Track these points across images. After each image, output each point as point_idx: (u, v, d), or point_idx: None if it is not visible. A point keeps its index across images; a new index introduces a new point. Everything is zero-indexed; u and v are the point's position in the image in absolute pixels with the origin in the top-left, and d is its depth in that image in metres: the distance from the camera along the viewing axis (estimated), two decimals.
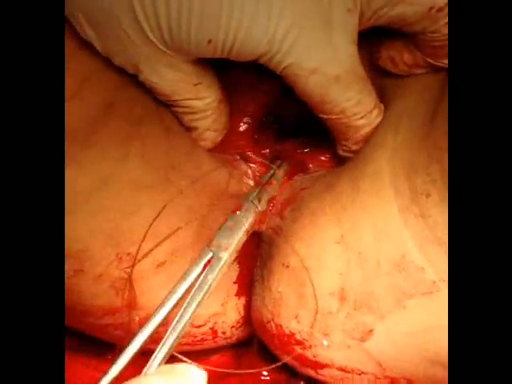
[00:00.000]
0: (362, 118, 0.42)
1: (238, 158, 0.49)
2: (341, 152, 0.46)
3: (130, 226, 0.42)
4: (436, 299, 0.38)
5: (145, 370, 0.36)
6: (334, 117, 0.42)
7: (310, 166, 0.50)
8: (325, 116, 0.42)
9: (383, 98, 0.45)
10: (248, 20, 0.36)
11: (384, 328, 0.40)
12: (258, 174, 0.49)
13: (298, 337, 0.43)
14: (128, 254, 0.42)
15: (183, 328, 0.38)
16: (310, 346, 0.42)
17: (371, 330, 0.40)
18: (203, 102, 0.44)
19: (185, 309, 0.38)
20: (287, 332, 0.43)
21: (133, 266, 0.42)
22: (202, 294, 0.39)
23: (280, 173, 0.48)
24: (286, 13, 0.36)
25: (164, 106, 0.45)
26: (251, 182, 0.49)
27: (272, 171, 0.48)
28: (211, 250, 0.41)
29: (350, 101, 0.41)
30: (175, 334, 0.38)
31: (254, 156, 0.49)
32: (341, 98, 0.41)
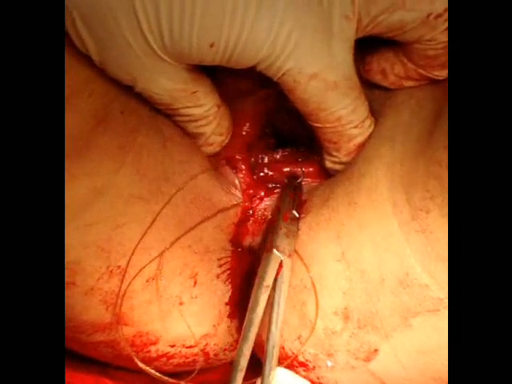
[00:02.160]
0: (355, 126, 0.42)
1: (226, 166, 0.48)
2: (329, 164, 0.46)
3: (121, 238, 0.41)
4: (443, 317, 0.38)
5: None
6: (328, 125, 0.42)
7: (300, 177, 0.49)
8: (319, 125, 0.42)
9: (371, 110, 0.45)
10: (250, 23, 0.36)
11: (389, 347, 0.39)
12: (244, 184, 0.48)
13: (301, 358, 0.42)
14: (118, 266, 0.42)
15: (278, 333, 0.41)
16: (314, 368, 0.42)
17: (376, 350, 0.40)
18: (203, 109, 0.44)
19: (274, 315, 0.41)
20: (290, 354, 0.42)
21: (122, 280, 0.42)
22: (282, 298, 0.42)
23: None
24: (288, 17, 0.36)
25: (162, 114, 0.45)
26: (238, 193, 0.48)
27: (297, 181, 0.48)
28: (280, 256, 0.42)
29: (346, 108, 0.41)
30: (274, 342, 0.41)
31: (241, 164, 0.49)
32: (337, 106, 0.40)
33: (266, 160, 0.50)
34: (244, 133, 0.49)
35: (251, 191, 0.48)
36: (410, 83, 0.43)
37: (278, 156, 0.50)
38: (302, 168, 0.48)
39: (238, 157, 0.48)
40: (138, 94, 0.41)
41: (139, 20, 0.36)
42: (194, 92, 0.42)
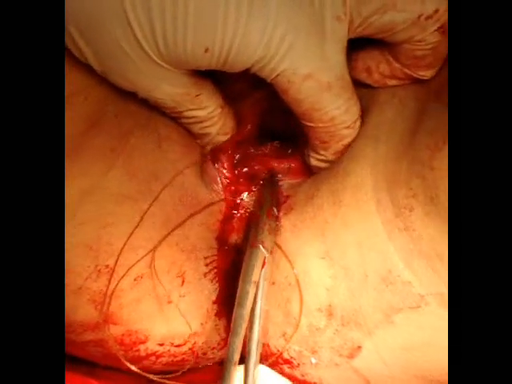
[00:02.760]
0: (348, 127, 0.42)
1: (209, 162, 0.48)
2: (314, 162, 0.46)
3: (109, 237, 0.42)
4: (424, 313, 0.38)
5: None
6: (321, 125, 0.42)
7: (279, 175, 0.49)
8: (312, 124, 0.42)
9: None
10: (243, 27, 0.36)
11: (372, 344, 0.40)
12: (225, 180, 0.49)
13: (285, 355, 0.42)
14: (106, 266, 0.42)
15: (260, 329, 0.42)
16: (299, 365, 0.42)
17: (359, 347, 0.40)
18: (207, 111, 0.44)
19: (257, 311, 0.42)
20: (275, 351, 0.43)
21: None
22: (262, 293, 0.42)
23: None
24: (281, 20, 0.36)
25: (160, 114, 0.45)
26: (220, 190, 0.49)
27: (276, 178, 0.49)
28: (265, 252, 0.43)
29: (339, 109, 0.41)
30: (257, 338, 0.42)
31: (225, 160, 0.49)
32: (331, 106, 0.41)
33: (250, 155, 0.50)
34: (244, 133, 0.49)
35: (233, 187, 0.49)
36: (394, 82, 0.43)
37: (262, 151, 0.50)
38: (283, 164, 0.49)
39: (222, 152, 0.48)
40: (134, 97, 0.41)
41: (134, 30, 0.36)
42: (197, 95, 0.42)
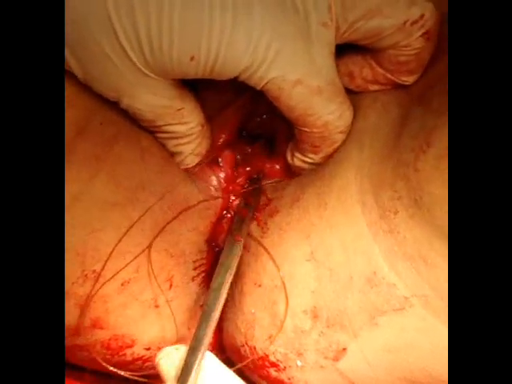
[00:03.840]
0: (341, 132, 0.43)
1: (205, 167, 0.49)
2: (298, 163, 0.46)
3: (96, 243, 0.42)
4: (408, 315, 0.38)
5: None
6: (315, 130, 0.42)
7: (265, 175, 0.50)
8: (307, 129, 0.42)
9: None
10: (228, 36, 0.36)
11: (357, 346, 0.40)
12: (225, 181, 0.49)
13: (272, 358, 0.42)
14: (93, 271, 0.42)
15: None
16: (285, 368, 0.42)
17: (344, 349, 0.40)
18: (187, 127, 0.44)
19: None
20: (261, 354, 0.43)
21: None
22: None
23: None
24: (266, 28, 0.37)
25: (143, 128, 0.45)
26: (218, 193, 0.49)
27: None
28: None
29: (333, 114, 0.41)
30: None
31: (222, 162, 0.49)
32: (324, 111, 0.41)
33: (248, 155, 0.51)
34: (222, 139, 0.49)
35: (230, 187, 0.49)
36: (376, 87, 0.44)
37: (257, 151, 0.51)
38: (269, 164, 0.49)
39: (221, 154, 0.49)
40: (119, 109, 0.42)
41: (119, 38, 0.36)
42: (180, 109, 0.42)
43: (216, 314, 0.41)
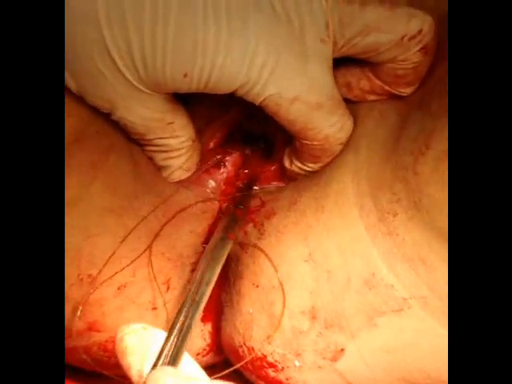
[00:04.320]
0: (341, 143, 0.43)
1: (202, 173, 0.49)
2: (295, 169, 0.46)
3: (92, 248, 0.42)
4: (407, 317, 0.38)
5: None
6: (316, 143, 0.42)
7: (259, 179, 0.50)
8: (308, 142, 0.42)
9: None
10: (223, 53, 0.36)
11: (355, 347, 0.40)
12: (223, 184, 0.49)
13: (270, 359, 0.42)
14: (89, 275, 0.42)
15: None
16: (283, 369, 0.42)
17: (342, 350, 0.40)
18: (178, 141, 0.44)
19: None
20: (259, 355, 0.43)
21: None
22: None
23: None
24: (261, 44, 0.36)
25: (134, 141, 0.45)
26: (215, 195, 0.49)
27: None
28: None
29: (334, 126, 0.41)
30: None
31: (233, 160, 0.50)
32: (324, 124, 0.41)
33: (248, 158, 0.51)
34: (213, 144, 0.50)
35: (228, 190, 0.49)
36: (373, 97, 0.44)
37: (256, 154, 0.51)
38: (264, 170, 0.50)
39: (227, 154, 0.49)
40: (112, 121, 0.42)
41: (112, 56, 0.36)
42: (170, 123, 0.42)
43: (202, 307, 0.41)
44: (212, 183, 0.49)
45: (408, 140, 0.39)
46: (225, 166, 0.49)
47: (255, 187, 0.49)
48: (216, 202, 0.49)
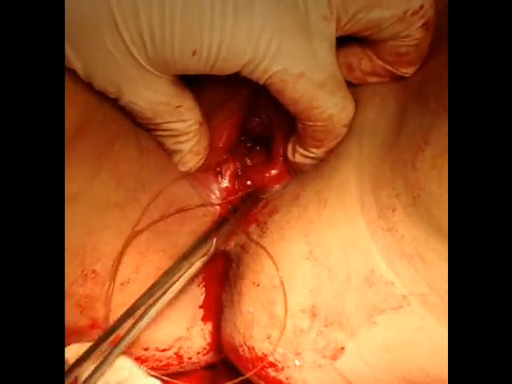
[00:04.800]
0: (345, 125, 0.43)
1: (206, 173, 0.49)
2: (299, 158, 0.46)
3: (96, 243, 0.42)
4: (406, 314, 0.38)
5: None
6: (319, 123, 0.42)
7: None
8: (311, 123, 0.42)
9: None
10: (230, 31, 0.36)
11: (355, 345, 0.40)
12: (225, 191, 0.49)
13: (270, 359, 0.42)
14: (93, 271, 0.42)
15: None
16: (283, 368, 0.42)
17: (342, 348, 0.40)
18: (185, 125, 0.44)
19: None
20: (260, 354, 0.43)
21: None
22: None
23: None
24: (268, 21, 0.37)
25: (141, 126, 0.45)
26: (217, 201, 0.49)
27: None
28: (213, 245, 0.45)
29: (337, 106, 0.41)
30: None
31: (229, 173, 0.50)
32: (328, 104, 0.41)
33: (249, 168, 0.51)
34: (223, 141, 0.49)
35: (230, 198, 0.49)
36: (374, 79, 0.44)
37: (257, 162, 0.51)
38: (266, 176, 0.49)
39: (224, 163, 0.49)
40: (119, 107, 0.42)
41: (121, 33, 0.36)
42: (178, 106, 0.42)
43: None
44: (216, 188, 0.49)
45: (407, 135, 0.39)
46: (224, 176, 0.50)
47: (261, 196, 0.49)
48: (217, 207, 0.49)
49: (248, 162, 0.51)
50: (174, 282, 0.43)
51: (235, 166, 0.50)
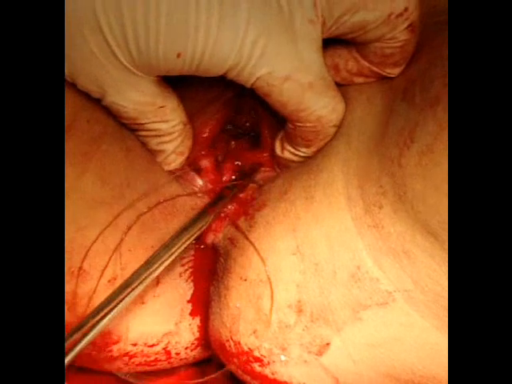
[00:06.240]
0: (334, 126, 0.43)
1: (190, 170, 0.49)
2: (288, 155, 0.46)
3: (83, 240, 0.42)
4: (391, 310, 0.38)
5: None
6: (309, 125, 0.42)
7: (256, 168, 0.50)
8: (300, 124, 0.42)
9: None
10: (214, 34, 0.37)
11: (340, 341, 0.40)
12: (209, 184, 0.49)
13: (256, 353, 0.42)
14: (80, 268, 0.42)
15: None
16: (269, 363, 0.42)
17: (328, 344, 0.40)
18: (169, 125, 0.44)
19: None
20: (246, 349, 0.43)
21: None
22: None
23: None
24: (252, 24, 0.37)
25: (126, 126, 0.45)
26: (204, 195, 0.49)
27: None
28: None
29: (326, 108, 0.41)
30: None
31: (206, 164, 0.49)
32: (316, 106, 0.41)
33: (232, 151, 0.50)
34: (206, 135, 0.49)
35: (216, 188, 0.49)
36: (361, 80, 0.44)
37: (242, 145, 0.51)
38: (254, 158, 0.50)
39: (202, 157, 0.49)
40: (104, 106, 0.42)
41: (105, 36, 0.36)
42: (162, 107, 0.42)
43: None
44: (200, 182, 0.49)
45: (394, 132, 0.39)
46: (206, 168, 0.50)
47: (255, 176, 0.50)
48: (205, 197, 0.49)
49: (233, 144, 0.51)
50: (171, 255, 0.44)
51: (211, 162, 0.50)
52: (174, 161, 0.47)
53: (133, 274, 0.43)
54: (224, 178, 0.49)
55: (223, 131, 0.50)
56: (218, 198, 0.47)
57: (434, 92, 0.36)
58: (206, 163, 0.49)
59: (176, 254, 0.44)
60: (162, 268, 0.43)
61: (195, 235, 0.45)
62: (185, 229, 0.44)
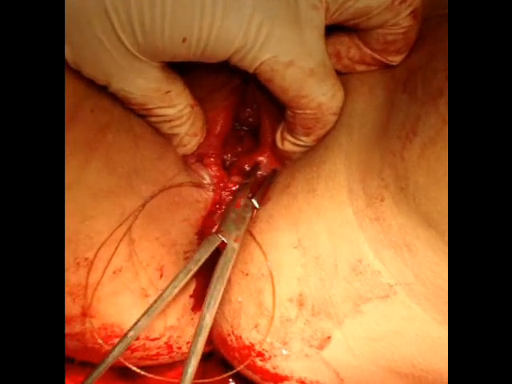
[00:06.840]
0: (334, 113, 0.43)
1: (197, 163, 0.49)
2: (289, 145, 0.46)
3: (89, 230, 0.42)
4: (392, 303, 0.38)
5: None
6: (309, 111, 0.42)
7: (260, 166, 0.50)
8: (300, 111, 0.42)
9: None
10: (220, 18, 0.37)
11: (341, 334, 0.40)
12: (215, 178, 0.50)
13: (257, 347, 0.42)
14: (86, 259, 0.42)
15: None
16: (270, 357, 0.42)
17: (329, 337, 0.40)
18: (176, 109, 0.44)
19: (208, 297, 0.43)
20: (247, 343, 0.43)
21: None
22: (219, 281, 0.43)
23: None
24: (257, 10, 0.37)
25: (134, 113, 0.45)
26: (210, 188, 0.49)
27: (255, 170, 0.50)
28: (222, 239, 0.44)
29: (326, 95, 0.41)
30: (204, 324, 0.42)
31: (213, 160, 0.50)
32: (317, 92, 0.41)
33: (238, 152, 0.51)
34: (218, 130, 0.50)
35: (221, 184, 0.49)
36: (362, 68, 0.44)
37: (247, 147, 0.51)
38: (263, 155, 0.50)
39: (210, 153, 0.49)
40: (110, 94, 0.42)
41: (111, 20, 0.36)
42: (167, 92, 0.42)
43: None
44: (207, 176, 0.49)
45: (396, 125, 0.39)
46: (216, 164, 0.50)
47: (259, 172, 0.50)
48: (211, 190, 0.49)
49: (239, 149, 0.51)
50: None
51: (223, 157, 0.50)
52: (189, 142, 0.48)
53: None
54: (232, 178, 0.50)
55: (232, 130, 0.51)
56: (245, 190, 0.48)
57: (437, 85, 0.36)
58: (214, 161, 0.49)
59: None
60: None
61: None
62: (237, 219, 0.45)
